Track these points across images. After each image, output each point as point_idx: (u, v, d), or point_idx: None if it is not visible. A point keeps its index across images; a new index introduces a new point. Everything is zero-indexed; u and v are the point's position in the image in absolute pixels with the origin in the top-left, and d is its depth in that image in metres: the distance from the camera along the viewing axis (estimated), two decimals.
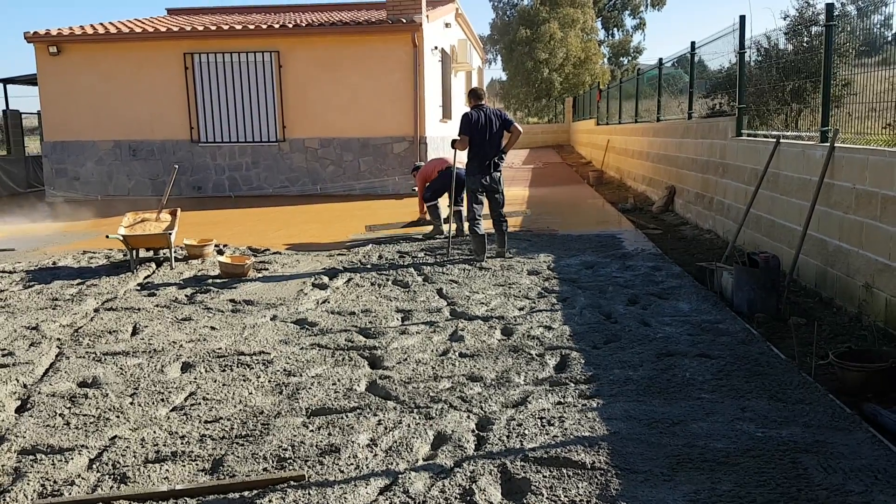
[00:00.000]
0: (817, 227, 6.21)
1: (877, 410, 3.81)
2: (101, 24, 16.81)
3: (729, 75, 9.66)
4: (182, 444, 3.59)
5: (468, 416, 3.84)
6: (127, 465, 3.37)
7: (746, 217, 7.53)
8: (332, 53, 15.29)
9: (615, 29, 50.33)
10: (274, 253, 8.86)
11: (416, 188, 10.18)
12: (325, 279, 7.26)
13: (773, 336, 5.22)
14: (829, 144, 6.00)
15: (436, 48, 17.00)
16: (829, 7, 6.41)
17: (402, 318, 5.85)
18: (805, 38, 8.64)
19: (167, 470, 3.33)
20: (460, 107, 21.64)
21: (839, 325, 5.42)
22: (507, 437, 3.56)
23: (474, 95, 8.16)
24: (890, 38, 6.64)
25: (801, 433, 3.53)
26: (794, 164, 6.79)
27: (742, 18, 8.48)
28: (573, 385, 4.26)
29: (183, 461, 3.41)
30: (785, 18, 9.58)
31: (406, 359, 4.80)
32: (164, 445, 3.58)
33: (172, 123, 15.68)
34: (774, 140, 7.20)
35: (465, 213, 9.14)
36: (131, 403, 4.13)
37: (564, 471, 3.22)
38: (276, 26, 15.32)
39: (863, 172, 5.50)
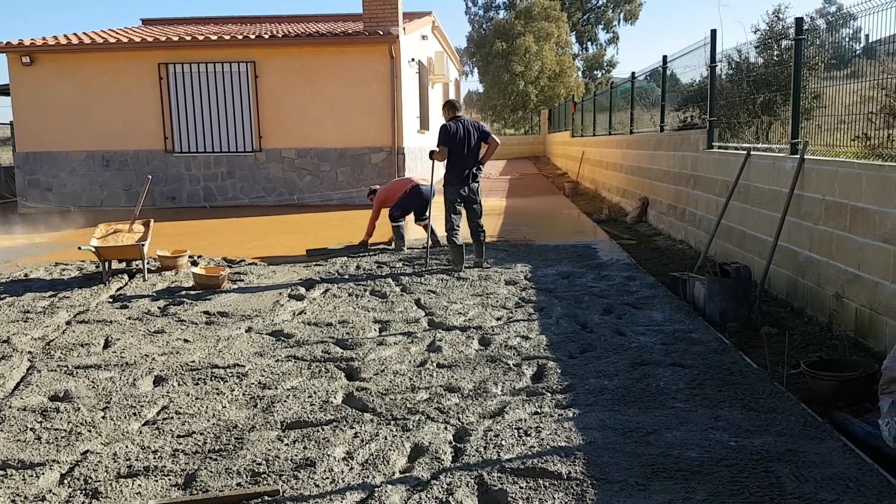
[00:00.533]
0: (788, 237, 6.30)
1: (847, 419, 3.87)
2: (76, 34, 16.65)
3: (700, 88, 9.80)
4: (155, 458, 3.55)
5: (445, 428, 3.84)
6: (99, 480, 3.33)
7: (718, 228, 7.62)
8: (308, 64, 15.27)
9: (589, 43, 50.86)
10: (249, 264, 8.80)
11: (373, 210, 9.55)
12: (302, 290, 7.23)
13: (745, 345, 5.29)
14: (799, 156, 6.10)
15: (413, 60, 17.06)
16: (799, 21, 6.53)
17: (380, 328, 5.84)
18: (775, 52, 8.81)
19: (140, 485, 3.29)
20: (437, 118, 21.68)
21: (810, 335, 5.50)
22: (485, 448, 3.57)
23: (450, 107, 8.18)
24: (859, 52, 6.78)
25: (773, 442, 3.57)
26: (765, 175, 6.89)
27: (713, 32, 8.62)
28: (550, 395, 4.27)
29: (155, 476, 3.37)
30: (755, 32, 9.78)
31: (383, 370, 4.79)
32: (137, 460, 3.53)
33: (146, 134, 15.55)
34: (745, 152, 7.31)
35: (434, 228, 9.15)
36: (103, 417, 4.08)
37: (541, 481, 3.22)
38: (252, 37, 15.28)
39: (832, 184, 5.60)
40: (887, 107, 5.83)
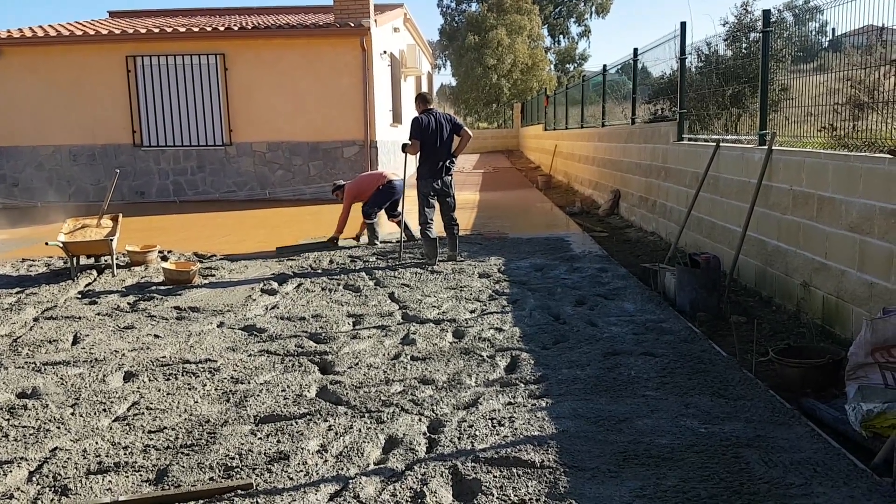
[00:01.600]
0: (756, 227, 6.39)
1: (815, 405, 3.94)
2: (41, 26, 16.34)
3: (670, 81, 9.88)
4: (125, 454, 3.51)
5: (420, 419, 3.84)
6: (68, 477, 3.28)
7: (688, 219, 7.70)
8: (279, 57, 15.14)
9: (561, 36, 51.05)
10: (221, 259, 8.72)
11: (344, 205, 9.40)
12: (275, 284, 7.18)
13: (714, 334, 5.36)
14: (767, 147, 6.18)
15: (385, 52, 16.99)
16: (766, 13, 6.61)
17: (354, 322, 5.82)
18: (744, 45, 8.89)
19: (110, 481, 3.25)
20: (410, 111, 21.62)
21: (778, 323, 5.59)
22: (459, 438, 3.58)
23: (422, 100, 8.16)
24: (825, 45, 6.88)
25: (742, 428, 3.62)
26: (734, 166, 6.97)
27: (683, 25, 8.68)
28: (523, 385, 4.29)
29: (126, 472, 3.33)
30: (724, 25, 9.84)
31: (357, 363, 4.78)
32: (107, 456, 3.49)
33: (114, 127, 15.32)
34: (714, 144, 7.39)
35: (408, 222, 9.13)
36: (72, 414, 4.02)
37: (514, 470, 3.24)
38: (221, 29, 15.11)
39: (799, 174, 5.68)
40: (853, 98, 5.92)
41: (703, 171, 7.44)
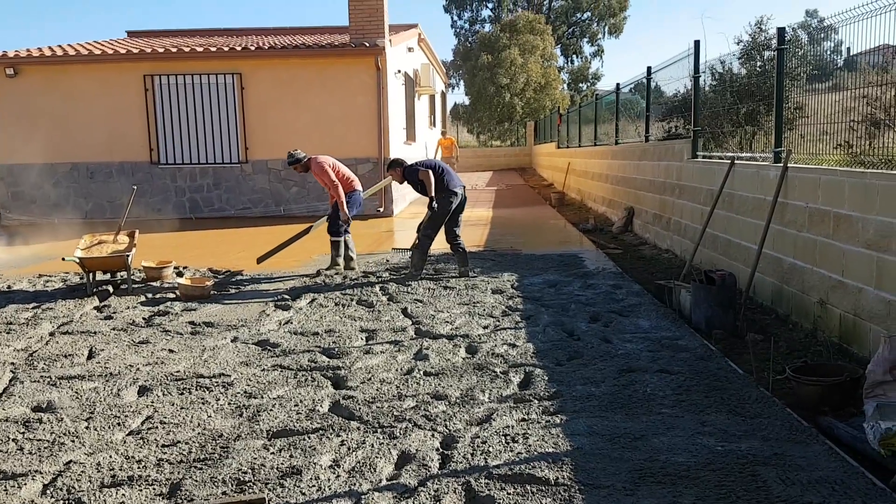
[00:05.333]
0: (772, 245, 6.35)
1: (833, 423, 3.89)
2: (60, 46, 16.58)
3: (684, 99, 9.88)
4: (139, 468, 3.51)
5: (433, 435, 3.82)
6: (82, 490, 3.29)
7: (703, 236, 7.67)
8: (295, 76, 15.27)
9: (574, 56, 51.13)
10: (235, 274, 8.75)
11: (331, 184, 8.45)
12: (288, 300, 7.20)
13: (731, 352, 5.31)
14: (782, 165, 6.16)
15: (399, 72, 17.10)
16: (781, 31, 6.60)
17: (367, 337, 5.82)
18: (758, 63, 8.89)
19: (123, 494, 3.25)
20: (424, 129, 21.76)
21: (795, 341, 5.54)
22: (472, 454, 3.56)
23: (397, 164, 8.26)
24: (840, 64, 6.87)
25: (759, 446, 3.58)
26: (749, 184, 6.95)
27: (696, 44, 8.70)
28: (537, 402, 4.27)
29: (140, 486, 3.33)
30: (738, 43, 9.85)
31: (370, 378, 4.77)
32: (121, 470, 3.49)
33: (132, 145, 15.46)
34: (729, 161, 7.37)
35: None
36: (87, 428, 4.03)
37: (528, 487, 3.22)
38: (238, 49, 15.27)
39: (815, 191, 5.65)
40: (869, 116, 5.89)
41: (718, 189, 7.41)
